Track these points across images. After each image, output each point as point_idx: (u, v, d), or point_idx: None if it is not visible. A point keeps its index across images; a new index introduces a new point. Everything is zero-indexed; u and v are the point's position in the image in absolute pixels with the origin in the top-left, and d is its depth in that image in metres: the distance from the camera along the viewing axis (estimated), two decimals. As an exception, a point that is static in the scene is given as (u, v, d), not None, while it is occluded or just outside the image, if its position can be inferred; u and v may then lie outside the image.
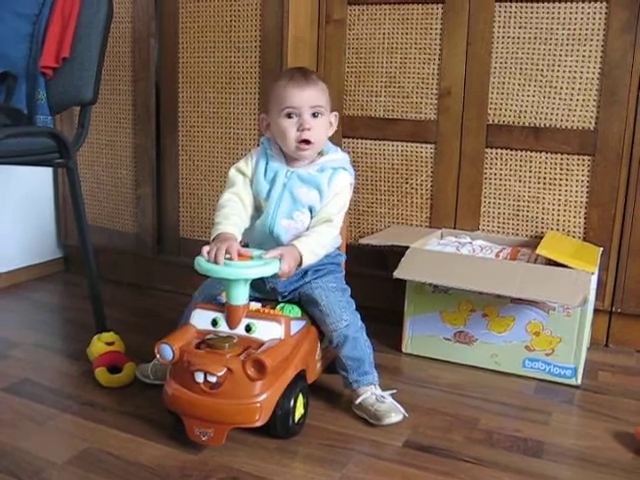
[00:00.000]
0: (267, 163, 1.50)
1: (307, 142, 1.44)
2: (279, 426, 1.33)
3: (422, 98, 2.01)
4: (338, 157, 1.52)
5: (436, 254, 1.78)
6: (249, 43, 2.07)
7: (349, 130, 2.11)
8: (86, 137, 1.74)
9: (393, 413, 1.43)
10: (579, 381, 1.66)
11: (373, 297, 2.03)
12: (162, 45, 2.22)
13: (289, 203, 1.47)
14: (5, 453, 1.29)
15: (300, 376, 1.39)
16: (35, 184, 2.44)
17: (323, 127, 1.48)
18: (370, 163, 2.10)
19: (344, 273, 1.63)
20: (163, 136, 2.26)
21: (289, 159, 1.50)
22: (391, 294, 1.97)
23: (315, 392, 1.52)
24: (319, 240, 1.44)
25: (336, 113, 1.54)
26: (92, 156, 2.39)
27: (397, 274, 1.71)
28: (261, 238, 1.50)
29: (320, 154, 1.52)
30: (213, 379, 1.25)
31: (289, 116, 1.44)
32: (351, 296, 1.54)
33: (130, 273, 2.40)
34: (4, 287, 2.30)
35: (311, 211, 1.48)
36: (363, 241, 1.93)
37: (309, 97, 1.44)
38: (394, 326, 1.87)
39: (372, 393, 1.46)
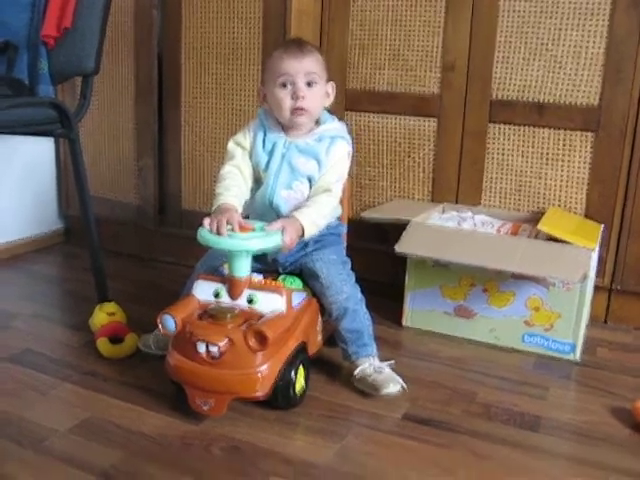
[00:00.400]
0: (265, 135, 1.51)
1: (301, 110, 1.45)
2: (280, 397, 1.34)
3: (426, 72, 2.00)
4: (335, 126, 1.53)
5: (437, 229, 1.78)
6: (252, 14, 2.06)
7: (352, 103, 2.10)
8: (88, 108, 1.73)
9: (391, 383, 1.43)
10: (577, 357, 1.67)
11: (373, 271, 2.03)
12: (165, 16, 2.20)
13: (288, 173, 1.49)
14: (9, 422, 1.31)
15: (301, 348, 1.40)
16: (36, 154, 2.44)
17: (318, 96, 1.48)
18: (372, 137, 2.09)
19: (345, 244, 1.64)
20: (165, 108, 2.25)
21: (286, 129, 1.51)
22: (391, 268, 1.97)
23: (316, 364, 1.53)
24: (319, 210, 1.45)
25: (333, 83, 1.54)
26: (94, 127, 2.38)
27: (398, 249, 1.71)
28: (261, 210, 1.52)
29: (317, 124, 1.53)
30: (215, 349, 1.27)
31: (284, 85, 1.45)
32: (352, 268, 1.55)
33: (132, 244, 2.40)
34: (4, 259, 2.29)
35: (310, 181, 1.50)
36: (365, 215, 1.93)
37: (303, 65, 1.45)
38: (394, 300, 1.87)
39: (370, 364, 1.47)
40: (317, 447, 1.27)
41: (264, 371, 1.29)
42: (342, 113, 2.08)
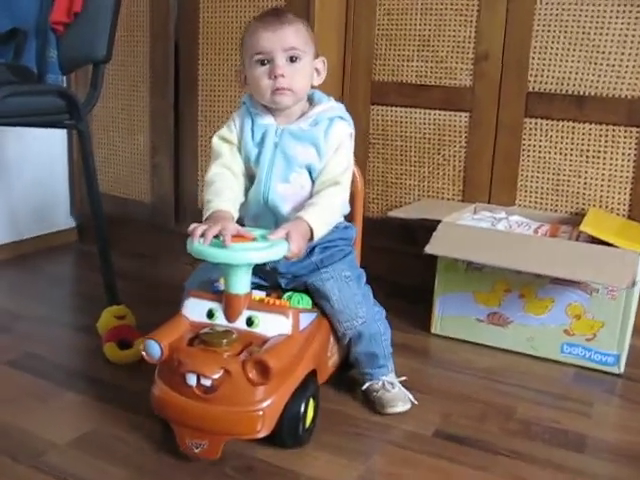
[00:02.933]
0: (253, 123, 1.31)
1: (282, 89, 1.24)
2: (286, 435, 1.16)
3: (457, 63, 1.88)
4: (332, 106, 1.32)
5: (470, 229, 1.66)
6: (274, 2, 1.95)
7: (378, 97, 1.98)
8: (98, 98, 1.63)
9: (400, 402, 1.32)
10: (622, 369, 1.55)
11: (400, 273, 1.92)
12: (182, 4, 2.10)
13: (283, 164, 1.28)
14: (5, 433, 1.21)
15: (310, 377, 1.22)
16: (49, 151, 2.35)
17: (303, 73, 1.27)
18: (400, 132, 1.97)
19: (356, 252, 1.44)
20: (182, 100, 2.15)
21: (277, 114, 1.31)
22: (419, 271, 1.85)
23: (337, 374, 1.40)
24: (329, 207, 1.26)
25: (324, 59, 1.33)
26: (107, 121, 2.29)
27: (428, 249, 1.59)
28: (256, 210, 1.32)
29: (311, 105, 1.33)
30: (207, 382, 1.08)
31: (262, 63, 1.25)
32: (367, 282, 1.38)
33: (146, 244, 2.30)
34: (14, 257, 2.21)
35: (310, 172, 1.30)
36: (392, 214, 1.81)
37: (281, 38, 1.23)
38: (422, 305, 1.75)
39: (380, 380, 1.35)
40: (340, 467, 1.15)
41: (267, 408, 1.10)
42: (368, 107, 1.98)
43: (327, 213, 1.26)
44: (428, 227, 1.66)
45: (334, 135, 1.29)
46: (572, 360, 1.58)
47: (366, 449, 1.21)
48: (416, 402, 1.34)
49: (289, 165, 1.29)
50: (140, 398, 1.33)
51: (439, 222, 1.65)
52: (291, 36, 1.25)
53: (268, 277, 1.33)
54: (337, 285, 1.28)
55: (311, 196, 1.29)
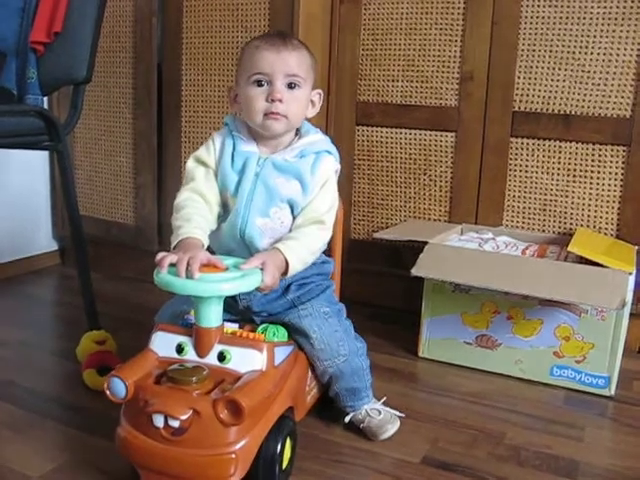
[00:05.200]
0: (234, 148, 1.22)
1: (277, 114, 1.17)
2: (262, 478, 1.08)
3: (442, 83, 1.87)
4: (319, 139, 1.25)
5: (457, 250, 1.63)
6: (257, 22, 1.94)
7: (363, 117, 1.97)
8: (79, 119, 1.61)
9: (388, 425, 1.28)
10: (612, 391, 1.52)
11: (386, 295, 1.89)
12: (165, 24, 2.08)
13: (264, 197, 1.20)
14: (-23, 466, 1.16)
15: (287, 415, 1.15)
16: (30, 171, 2.31)
17: (300, 102, 1.20)
18: (386, 152, 1.95)
19: (334, 286, 1.36)
20: (165, 122, 2.13)
21: (261, 142, 1.23)
22: (406, 293, 1.83)
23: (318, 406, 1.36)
24: (308, 245, 1.19)
25: (320, 91, 1.27)
26: (90, 142, 2.26)
27: (415, 271, 1.56)
28: (230, 244, 1.24)
29: (298, 137, 1.26)
30: (175, 423, 1.00)
31: (259, 84, 1.18)
32: (347, 316, 1.31)
33: (129, 267, 2.27)
34: (-5, 281, 2.17)
35: (292, 207, 1.22)
36: (377, 235, 1.78)
37: (284, 62, 1.17)
38: (409, 328, 1.72)
39: (362, 409, 1.30)
40: (325, 497, 1.12)
41: (240, 450, 1.01)
42: (353, 127, 1.96)
43: (305, 251, 1.18)
44: (414, 248, 1.64)
45: (321, 171, 1.22)
46: (562, 383, 1.55)
47: (352, 478, 1.17)
48: (403, 414, 1.31)
49: (270, 198, 1.21)
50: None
51: (426, 243, 1.63)
52: (295, 62, 1.19)
53: (241, 315, 1.27)
54: (316, 322, 1.22)
55: (290, 230, 1.22)
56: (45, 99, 1.75)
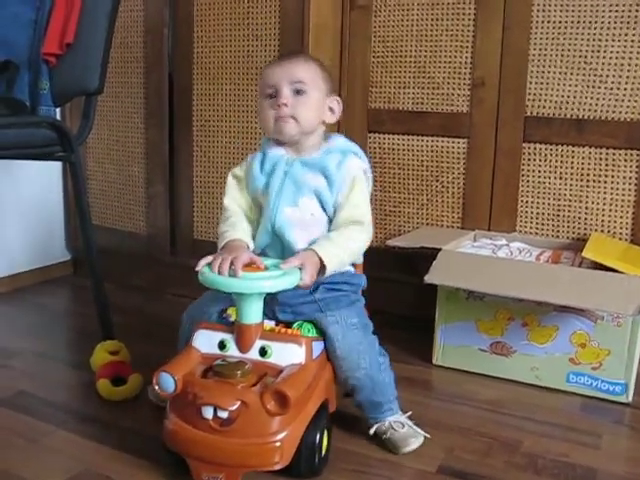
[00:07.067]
0: (264, 157, 1.32)
1: (284, 117, 1.25)
2: (304, 467, 1.14)
3: (454, 89, 1.86)
4: (346, 142, 1.34)
5: (471, 257, 1.62)
6: (268, 31, 1.94)
7: (375, 124, 1.96)
8: (91, 129, 1.62)
9: (411, 439, 1.26)
10: (630, 398, 1.50)
11: (400, 303, 1.88)
12: (176, 35, 2.09)
13: (292, 189, 1.27)
14: (-9, 476, 1.16)
15: (324, 407, 1.21)
16: (43, 182, 2.32)
17: (309, 106, 1.26)
18: (397, 159, 1.95)
19: (363, 302, 1.37)
20: (176, 131, 2.13)
21: (288, 147, 1.31)
22: (420, 301, 1.82)
23: (336, 409, 1.36)
24: (345, 246, 1.24)
25: (338, 98, 1.34)
26: (102, 153, 2.27)
27: (428, 279, 1.55)
28: (264, 238, 1.30)
29: (325, 141, 1.34)
30: (224, 414, 1.07)
31: (270, 97, 1.27)
32: (374, 332, 1.32)
33: (141, 277, 2.27)
34: (8, 291, 2.18)
35: (320, 200, 1.27)
36: (390, 243, 1.77)
37: (288, 71, 1.26)
38: (423, 336, 1.71)
39: (386, 420, 1.29)
40: (342, 507, 1.11)
41: (285, 439, 1.08)
42: (365, 134, 1.95)
43: (342, 251, 1.23)
44: (428, 256, 1.62)
45: (347, 167, 1.28)
46: (578, 390, 1.54)
47: (368, 487, 1.16)
48: (428, 436, 1.29)
49: (298, 189, 1.27)
50: (134, 436, 1.30)
51: (439, 250, 1.62)
52: (299, 70, 1.26)
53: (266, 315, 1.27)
54: (342, 331, 1.24)
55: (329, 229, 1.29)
56: (57, 110, 1.76)
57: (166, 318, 1.99)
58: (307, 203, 1.27)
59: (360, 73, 1.95)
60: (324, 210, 1.28)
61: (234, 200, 1.34)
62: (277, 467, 1.09)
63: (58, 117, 1.98)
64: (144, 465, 1.20)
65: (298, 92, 1.26)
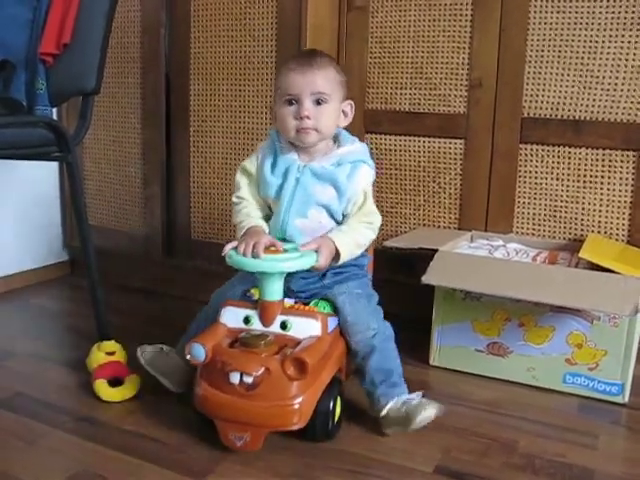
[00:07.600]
0: (276, 157, 1.39)
1: (306, 129, 1.32)
2: (319, 429, 1.26)
3: (451, 90, 1.86)
4: (356, 149, 1.40)
5: (468, 258, 1.63)
6: (265, 31, 1.94)
7: (372, 125, 1.96)
8: (87, 129, 1.61)
9: (427, 406, 1.26)
10: (626, 399, 1.50)
11: (396, 304, 1.86)
12: (173, 35, 2.08)
13: (302, 200, 1.36)
14: (-12, 478, 1.16)
15: (337, 376, 1.33)
16: (40, 182, 2.32)
17: (328, 115, 1.34)
18: (394, 160, 1.95)
19: (370, 277, 1.51)
20: (173, 131, 2.13)
21: (300, 151, 1.38)
22: (416, 301, 1.82)
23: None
24: (357, 240, 1.35)
25: (351, 102, 1.40)
26: (99, 153, 2.27)
27: (425, 279, 1.56)
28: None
29: (336, 144, 1.41)
30: (249, 380, 1.19)
31: (290, 103, 1.33)
32: (379, 303, 1.43)
33: (138, 277, 2.27)
34: (4, 292, 2.17)
35: (329, 211, 1.37)
36: (387, 244, 1.78)
37: (310, 82, 1.31)
38: (420, 336, 1.71)
39: (399, 400, 1.30)
40: (338, 507, 1.11)
41: (303, 402, 1.20)
42: (361, 135, 1.95)
43: (354, 243, 1.34)
44: (424, 256, 1.62)
45: (359, 179, 1.36)
46: (575, 390, 1.54)
47: (364, 488, 1.16)
48: (442, 405, 1.29)
49: (307, 201, 1.35)
50: (131, 437, 1.30)
51: (436, 251, 1.62)
52: (320, 81, 1.32)
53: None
54: (349, 299, 1.36)
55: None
56: (54, 110, 1.76)
57: (163, 318, 1.99)
58: (316, 215, 1.36)
59: (357, 74, 1.95)
60: (332, 218, 1.38)
61: (244, 196, 1.41)
62: (295, 427, 1.21)
63: (55, 117, 1.99)
64: (140, 464, 1.21)
65: (318, 102, 1.32)
